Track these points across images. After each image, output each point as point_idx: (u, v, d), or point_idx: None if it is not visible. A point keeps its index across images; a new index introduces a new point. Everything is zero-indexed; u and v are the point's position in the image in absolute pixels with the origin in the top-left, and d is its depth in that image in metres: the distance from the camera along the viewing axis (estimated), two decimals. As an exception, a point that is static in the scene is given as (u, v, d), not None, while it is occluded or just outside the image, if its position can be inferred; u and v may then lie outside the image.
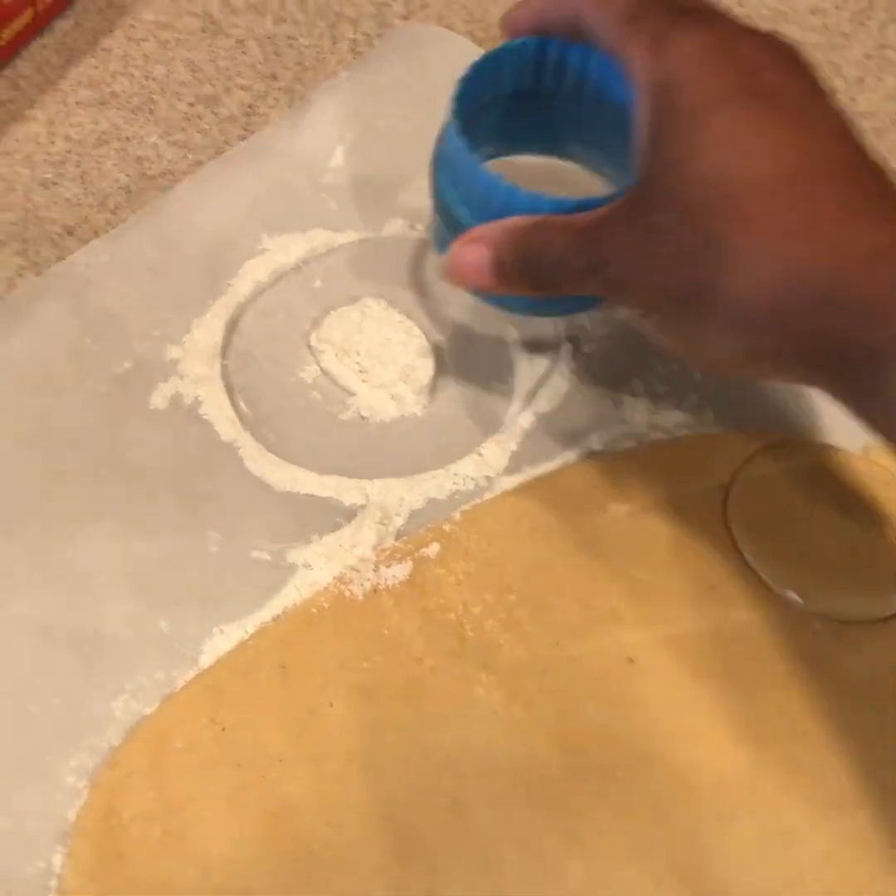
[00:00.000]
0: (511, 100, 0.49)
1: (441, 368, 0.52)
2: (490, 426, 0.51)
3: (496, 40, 0.60)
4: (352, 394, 0.51)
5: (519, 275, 0.43)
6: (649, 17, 0.42)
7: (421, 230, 0.55)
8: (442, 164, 0.46)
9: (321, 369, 0.52)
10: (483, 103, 0.48)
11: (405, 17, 0.62)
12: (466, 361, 0.52)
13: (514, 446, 0.50)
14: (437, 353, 0.52)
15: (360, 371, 0.52)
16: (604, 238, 0.41)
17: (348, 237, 0.55)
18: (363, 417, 0.51)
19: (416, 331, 0.53)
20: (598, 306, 0.47)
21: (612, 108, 0.46)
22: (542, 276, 0.43)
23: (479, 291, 0.46)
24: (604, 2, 0.43)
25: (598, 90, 0.47)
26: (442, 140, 0.46)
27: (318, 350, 0.52)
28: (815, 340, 0.38)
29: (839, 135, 0.40)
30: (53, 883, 0.42)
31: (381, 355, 0.52)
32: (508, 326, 0.53)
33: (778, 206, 0.38)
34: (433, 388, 0.52)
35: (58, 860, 0.42)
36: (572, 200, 0.43)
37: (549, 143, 0.51)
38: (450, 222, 0.46)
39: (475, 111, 0.46)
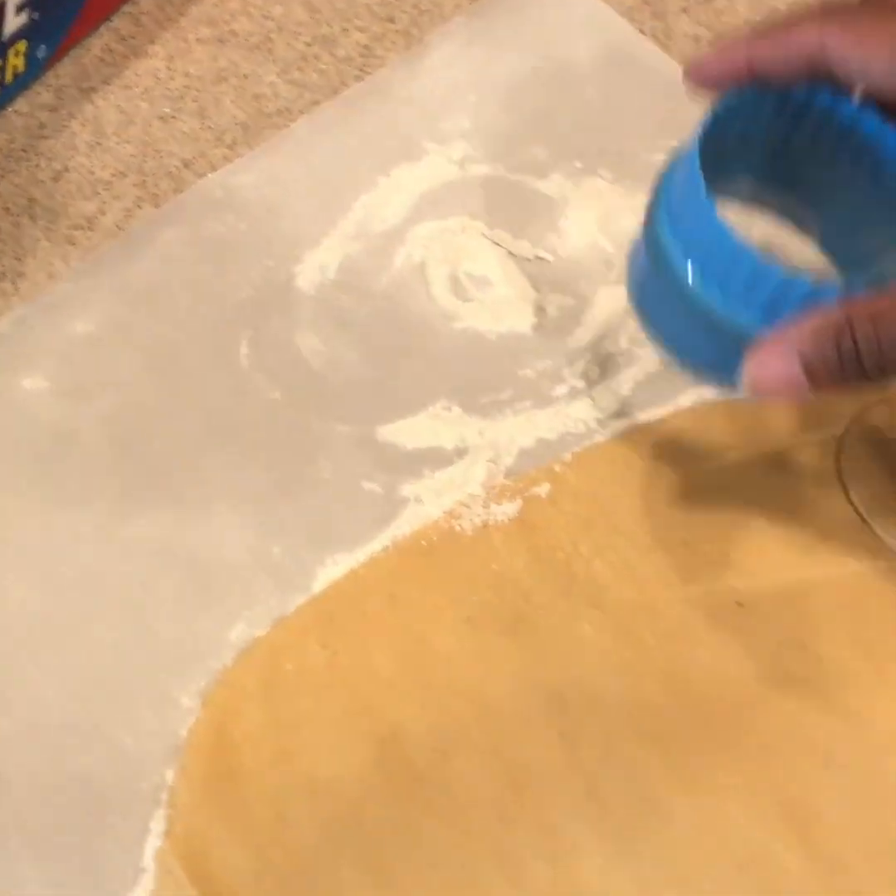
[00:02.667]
0: (726, 152, 0.42)
1: (542, 294, 0.53)
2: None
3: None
4: (460, 319, 0.52)
5: (840, 373, 0.37)
6: None
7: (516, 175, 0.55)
8: (673, 218, 0.41)
9: (430, 295, 0.52)
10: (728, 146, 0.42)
11: (523, -35, 0.61)
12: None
13: (626, 392, 0.50)
14: (542, 282, 0.53)
15: (467, 298, 0.52)
16: None
17: (463, 177, 0.55)
18: (471, 341, 0.51)
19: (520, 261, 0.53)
20: None
21: (844, 171, 0.43)
22: (876, 366, 0.37)
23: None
24: (867, 34, 0.36)
25: (869, 153, 0.42)
26: (687, 212, 0.40)
27: (430, 280, 0.52)
28: None
29: None
30: (164, 796, 0.42)
31: (487, 279, 0.53)
32: (616, 259, 0.53)
33: None
34: (539, 313, 0.52)
35: (170, 775, 0.43)
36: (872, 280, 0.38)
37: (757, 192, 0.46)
38: (715, 325, 0.40)
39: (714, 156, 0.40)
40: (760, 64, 0.40)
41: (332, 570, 0.46)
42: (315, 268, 0.52)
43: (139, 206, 0.54)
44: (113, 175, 0.54)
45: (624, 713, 0.44)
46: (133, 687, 0.44)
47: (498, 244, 0.53)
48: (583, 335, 0.52)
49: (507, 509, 0.48)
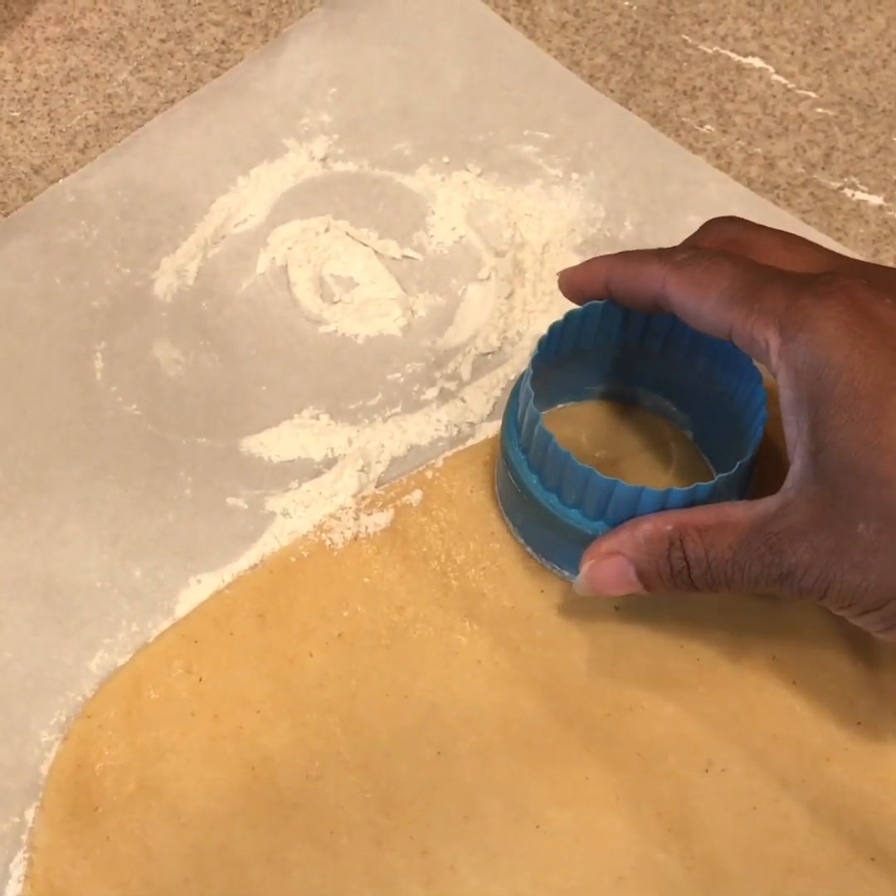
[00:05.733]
0: (586, 354, 0.46)
1: (411, 294, 0.51)
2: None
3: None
4: (326, 323, 0.50)
5: (672, 582, 0.40)
6: (766, 296, 0.38)
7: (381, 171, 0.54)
8: (530, 464, 0.43)
9: (294, 299, 0.51)
10: (561, 357, 0.45)
11: (383, -47, 0.60)
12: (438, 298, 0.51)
13: (498, 392, 0.49)
14: (410, 281, 0.52)
15: (333, 300, 0.51)
16: (789, 543, 0.37)
17: (325, 175, 0.53)
18: (338, 345, 0.50)
19: (387, 260, 0.52)
20: None
21: (697, 374, 0.45)
22: (704, 582, 0.39)
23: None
24: (699, 282, 0.39)
25: (687, 356, 0.45)
26: (532, 438, 0.42)
27: (292, 282, 0.51)
28: None
29: None
30: (25, 837, 0.41)
31: (353, 281, 0.51)
32: (486, 255, 0.52)
33: None
34: (408, 313, 0.51)
35: (30, 815, 0.41)
36: (702, 489, 0.40)
37: (621, 393, 0.49)
38: (553, 523, 0.43)
39: (552, 364, 0.44)
40: (615, 289, 0.43)
41: (197, 591, 0.45)
42: (172, 274, 0.50)
43: (-13, 216, 0.51)
44: (-42, 183, 0.52)
45: (500, 725, 0.43)
46: (-13, 724, 0.42)
47: (364, 244, 0.52)
48: (454, 335, 0.51)
49: (378, 520, 0.46)
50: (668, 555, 0.39)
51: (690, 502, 0.40)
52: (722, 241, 0.42)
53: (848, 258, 0.41)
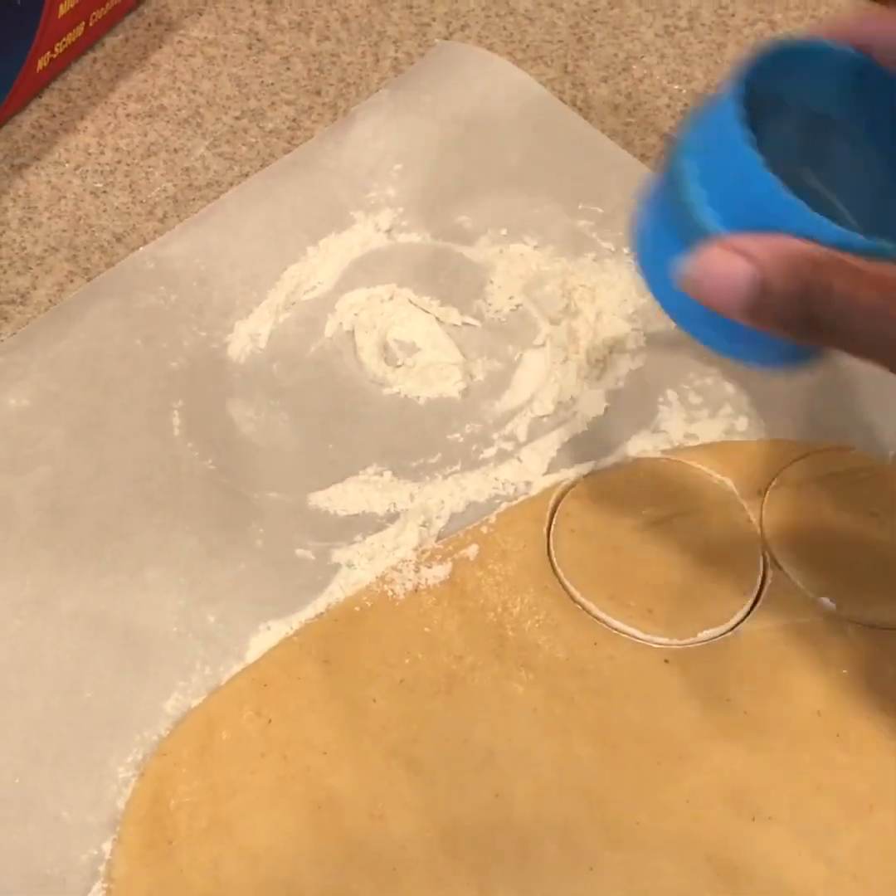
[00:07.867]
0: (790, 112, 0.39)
1: (471, 359, 0.54)
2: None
3: (533, 60, 0.63)
4: (389, 385, 0.53)
5: (790, 312, 0.33)
6: None
7: (443, 243, 0.56)
8: (693, 149, 0.35)
9: (359, 362, 0.53)
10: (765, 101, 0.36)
11: (446, 37, 0.63)
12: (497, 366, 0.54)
13: (552, 452, 0.52)
14: (469, 347, 0.54)
15: (396, 364, 0.54)
16: None
17: (390, 245, 0.56)
18: (401, 406, 0.53)
19: (448, 327, 0.55)
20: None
21: None
22: (828, 324, 0.33)
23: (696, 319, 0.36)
24: None
25: None
26: (706, 121, 0.35)
27: (358, 346, 0.54)
28: None
29: None
30: (103, 868, 0.43)
31: (415, 345, 0.54)
32: (541, 323, 0.54)
33: None
34: (467, 377, 0.53)
35: (108, 847, 0.43)
36: (873, 241, 0.33)
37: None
38: (684, 222, 0.35)
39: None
40: (881, 38, 0.36)
41: (266, 637, 0.47)
42: (246, 337, 0.53)
43: (71, 280, 0.54)
44: (45, 250, 0.55)
45: (556, 771, 0.45)
46: (69, 760, 0.44)
47: (426, 311, 0.55)
48: (510, 399, 0.53)
49: (437, 572, 0.49)
50: (808, 277, 0.32)
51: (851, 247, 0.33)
52: None
53: None
